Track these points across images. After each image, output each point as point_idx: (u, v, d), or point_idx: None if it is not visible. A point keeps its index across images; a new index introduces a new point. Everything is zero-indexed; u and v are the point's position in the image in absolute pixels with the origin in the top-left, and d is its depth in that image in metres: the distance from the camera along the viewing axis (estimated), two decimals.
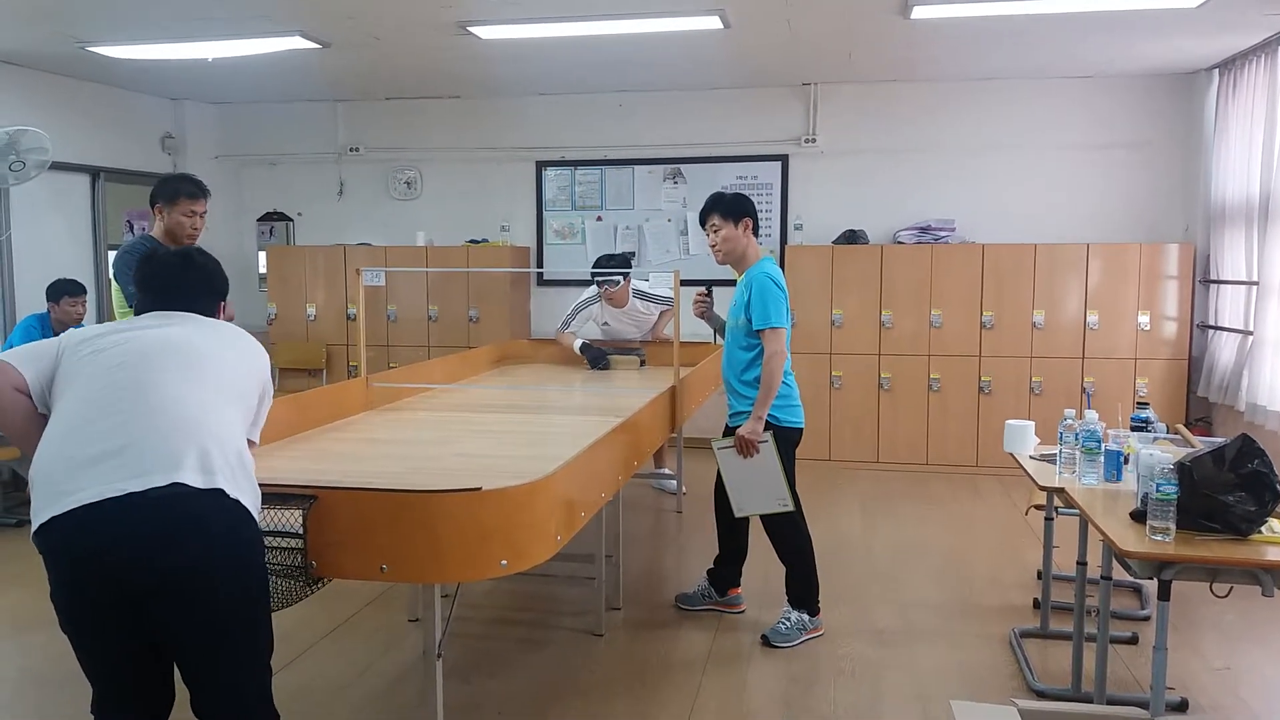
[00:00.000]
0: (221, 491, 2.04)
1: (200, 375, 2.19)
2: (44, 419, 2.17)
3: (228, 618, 2.07)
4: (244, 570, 2.10)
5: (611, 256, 5.92)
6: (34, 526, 2.02)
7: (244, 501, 2.10)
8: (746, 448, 3.80)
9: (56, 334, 5.80)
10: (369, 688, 3.51)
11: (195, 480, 2.01)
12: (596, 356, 5.63)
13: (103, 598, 2.03)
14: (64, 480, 2.00)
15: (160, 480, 1.98)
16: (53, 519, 1.98)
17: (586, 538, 3.65)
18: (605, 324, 5.96)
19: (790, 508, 3.86)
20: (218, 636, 2.07)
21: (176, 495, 1.98)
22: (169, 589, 2.00)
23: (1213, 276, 6.43)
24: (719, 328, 4.26)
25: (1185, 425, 5.89)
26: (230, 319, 4.30)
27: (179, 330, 2.28)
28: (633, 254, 7.66)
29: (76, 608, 2.07)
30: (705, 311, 4.25)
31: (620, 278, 5.66)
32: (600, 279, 5.65)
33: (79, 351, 2.21)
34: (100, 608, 2.04)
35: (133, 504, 1.96)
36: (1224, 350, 6.21)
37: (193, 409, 2.11)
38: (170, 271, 2.43)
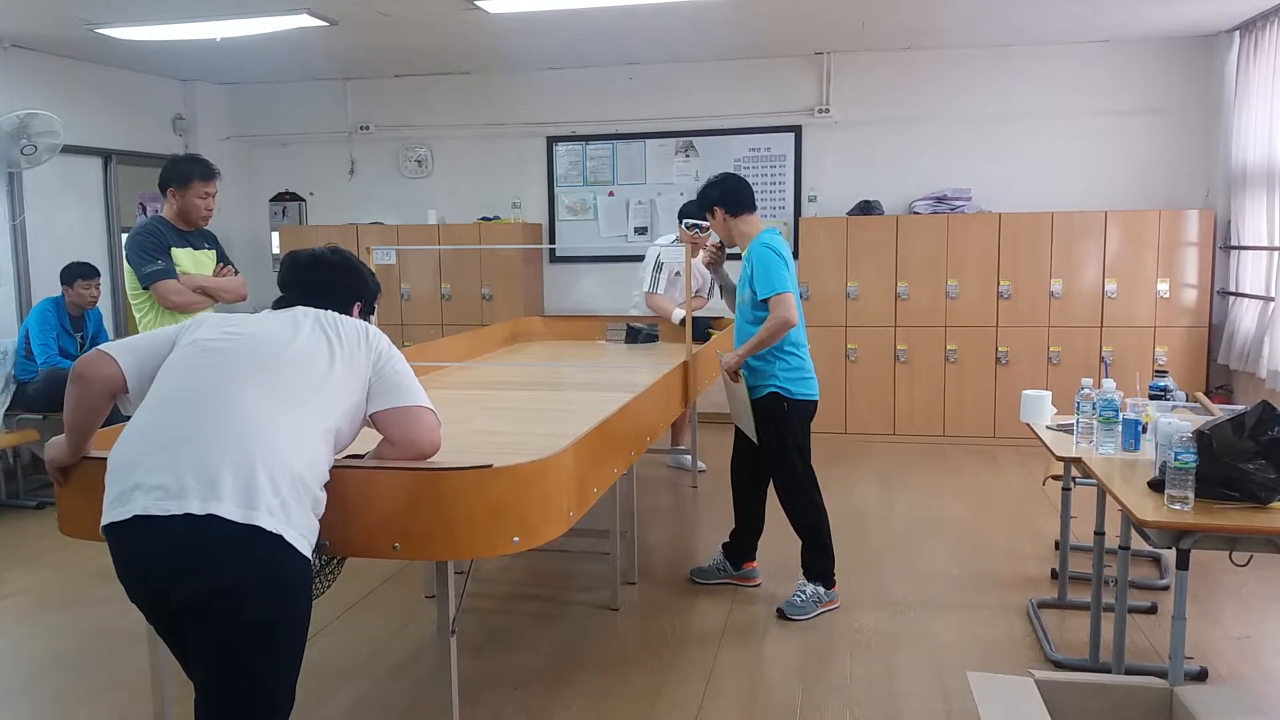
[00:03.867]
0: (258, 529, 1.95)
1: (280, 385, 2.10)
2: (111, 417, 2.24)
3: (252, 644, 2.00)
4: (275, 600, 2.00)
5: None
6: (101, 522, 2.03)
7: (287, 535, 1.98)
8: (725, 371, 3.93)
9: (72, 317, 5.85)
10: (386, 664, 3.54)
11: (233, 513, 1.93)
12: (700, 331, 5.49)
13: (151, 604, 2.08)
14: (125, 483, 1.99)
15: (196, 508, 1.92)
16: (110, 524, 1.99)
17: (601, 513, 3.66)
18: (677, 274, 5.87)
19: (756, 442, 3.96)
20: (236, 659, 2.01)
21: (209, 526, 1.92)
22: (197, 608, 1.98)
23: (1233, 242, 6.34)
24: (725, 284, 4.23)
25: (1205, 393, 5.84)
26: (242, 298, 4.29)
27: (280, 329, 2.21)
28: (644, 229, 7.61)
29: (141, 607, 2.11)
30: (715, 259, 4.19)
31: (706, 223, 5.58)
32: (691, 224, 5.53)
33: (184, 342, 2.20)
34: (152, 611, 2.11)
35: (169, 526, 1.93)
36: (1245, 317, 6.13)
37: (255, 425, 2.02)
38: (294, 270, 2.42)
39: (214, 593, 1.95)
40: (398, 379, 2.30)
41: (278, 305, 2.38)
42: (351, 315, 2.40)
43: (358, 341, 2.26)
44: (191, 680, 2.09)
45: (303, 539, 2.04)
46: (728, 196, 3.93)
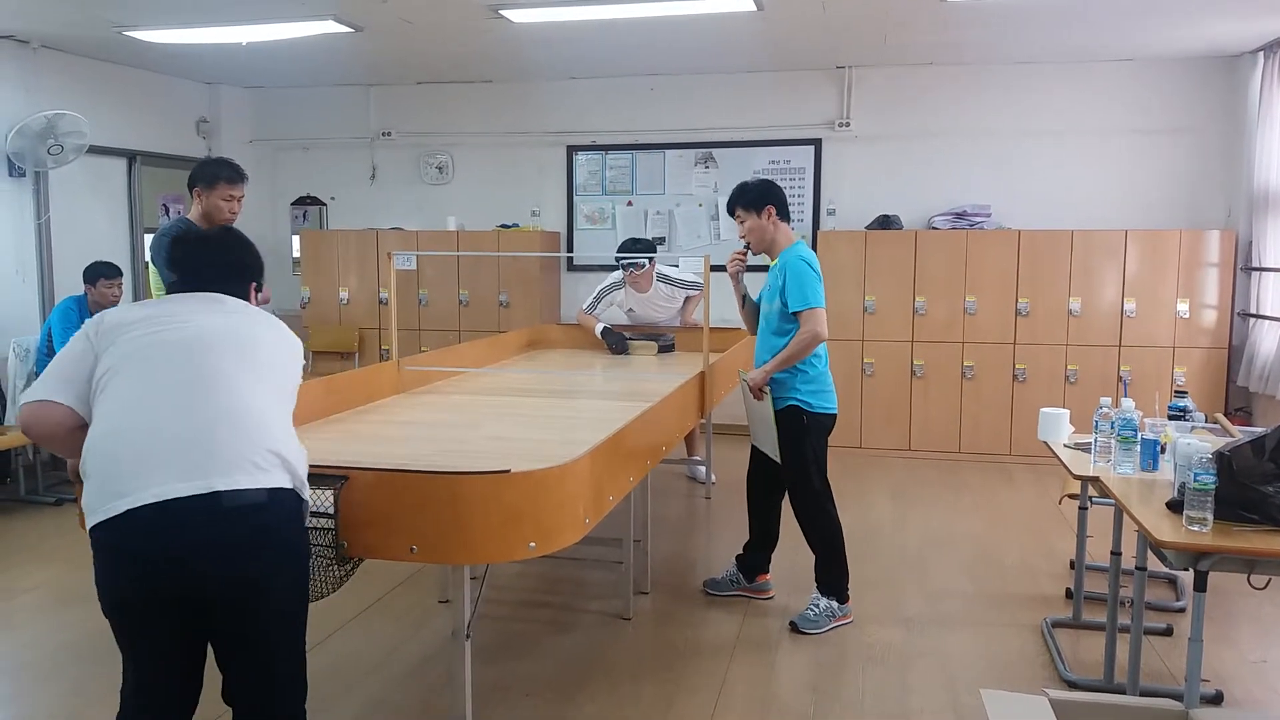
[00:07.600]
0: (291, 491, 2.10)
1: (258, 370, 2.17)
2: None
3: (280, 620, 2.12)
4: (299, 576, 2.16)
5: (637, 240, 5.90)
6: (91, 520, 1.96)
7: (303, 492, 2.16)
8: (750, 389, 3.89)
9: (94, 315, 5.89)
10: (398, 668, 3.55)
11: (263, 480, 2.03)
12: (616, 341, 5.66)
13: (163, 596, 2.01)
14: (128, 474, 1.95)
15: (222, 485, 1.97)
16: (117, 516, 1.93)
17: (615, 522, 3.66)
18: (630, 310, 5.95)
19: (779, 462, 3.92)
20: (268, 637, 2.11)
21: (249, 503, 1.99)
22: (233, 596, 2.02)
23: (1254, 264, 6.30)
24: (745, 294, 4.20)
25: (1225, 415, 5.79)
26: (266, 302, 4.33)
27: (229, 319, 2.23)
28: (661, 239, 7.64)
29: (131, 602, 2.04)
30: (739, 271, 4.11)
31: (645, 261, 5.64)
32: (625, 262, 5.64)
33: (119, 339, 2.12)
34: (157, 604, 2.03)
35: (206, 508, 1.95)
36: (1265, 339, 6.09)
37: (253, 405, 2.10)
38: (202, 252, 2.39)
39: (251, 581, 2.02)
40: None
41: (183, 288, 2.32)
42: (249, 294, 2.41)
43: (294, 351, 2.37)
44: (177, 678, 2.18)
45: (310, 503, 2.24)
46: (780, 199, 3.94)
